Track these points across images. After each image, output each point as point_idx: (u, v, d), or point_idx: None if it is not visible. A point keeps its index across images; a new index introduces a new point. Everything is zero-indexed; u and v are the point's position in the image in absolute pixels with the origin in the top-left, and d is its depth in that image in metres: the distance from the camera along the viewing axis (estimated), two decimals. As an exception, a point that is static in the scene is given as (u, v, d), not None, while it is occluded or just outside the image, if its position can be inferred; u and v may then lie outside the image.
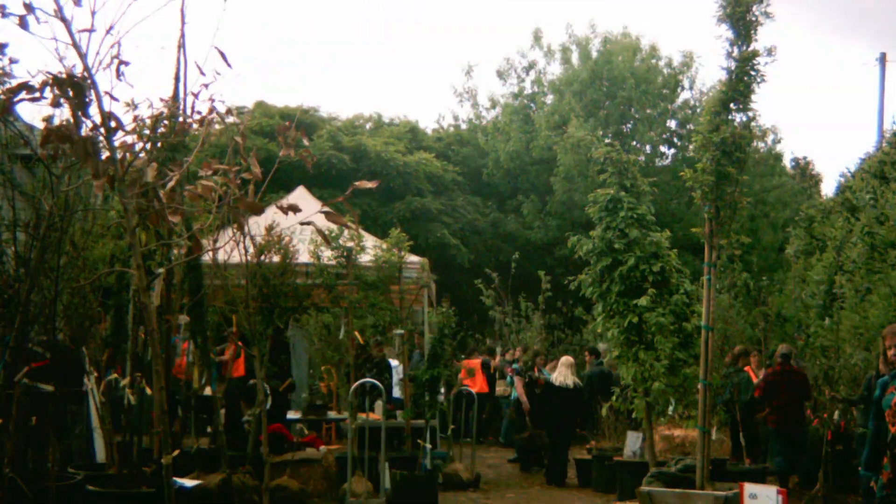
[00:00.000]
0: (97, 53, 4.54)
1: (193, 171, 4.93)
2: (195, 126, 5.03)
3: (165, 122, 5.82)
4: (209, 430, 10.04)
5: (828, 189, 28.84)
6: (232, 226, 7.82)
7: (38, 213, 6.58)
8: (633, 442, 11.33)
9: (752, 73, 8.63)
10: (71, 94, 4.33)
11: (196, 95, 4.84)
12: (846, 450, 11.03)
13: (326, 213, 5.15)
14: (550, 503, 11.28)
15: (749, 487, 7.42)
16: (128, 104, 6.19)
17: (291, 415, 12.60)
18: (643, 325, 9.82)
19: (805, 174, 31.80)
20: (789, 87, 59.64)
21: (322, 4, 63.22)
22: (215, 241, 8.13)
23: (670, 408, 10.64)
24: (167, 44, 7.39)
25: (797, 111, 57.88)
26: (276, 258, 9.46)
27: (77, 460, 8.63)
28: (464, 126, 30.48)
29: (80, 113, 4.40)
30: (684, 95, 27.54)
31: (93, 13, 4.47)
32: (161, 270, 7.68)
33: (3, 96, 4.65)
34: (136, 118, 5.23)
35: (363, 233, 12.34)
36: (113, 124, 4.54)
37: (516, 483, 12.70)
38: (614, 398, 10.75)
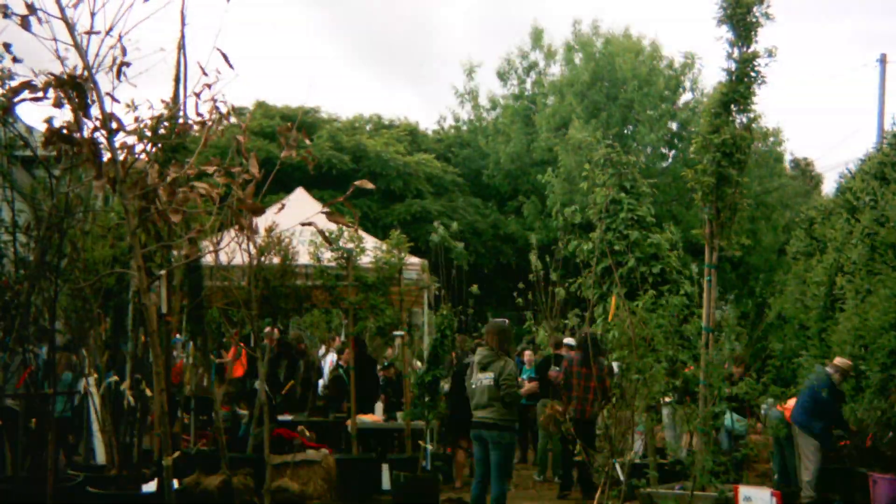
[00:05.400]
0: (97, 55, 4.53)
1: (200, 172, 4.92)
2: (196, 128, 5.02)
3: (165, 123, 5.81)
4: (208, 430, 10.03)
5: (828, 189, 28.81)
6: (234, 227, 7.81)
7: (38, 215, 6.57)
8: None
9: (753, 74, 8.64)
10: (73, 94, 4.33)
11: (198, 96, 4.83)
12: None
13: (327, 214, 5.15)
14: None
15: (743, 490, 7.40)
16: (128, 105, 6.19)
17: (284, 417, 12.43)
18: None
19: (805, 175, 31.75)
20: (789, 87, 59.69)
21: (323, 4, 63.28)
22: (217, 242, 8.11)
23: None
24: (167, 45, 7.39)
25: (797, 111, 57.90)
26: (275, 259, 9.45)
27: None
28: (464, 127, 30.47)
29: (81, 114, 4.39)
30: (686, 97, 27.54)
31: (92, 14, 4.46)
32: (162, 272, 7.66)
33: (4, 97, 4.64)
34: (136, 119, 5.22)
35: (363, 234, 12.31)
36: (114, 125, 4.54)
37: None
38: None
